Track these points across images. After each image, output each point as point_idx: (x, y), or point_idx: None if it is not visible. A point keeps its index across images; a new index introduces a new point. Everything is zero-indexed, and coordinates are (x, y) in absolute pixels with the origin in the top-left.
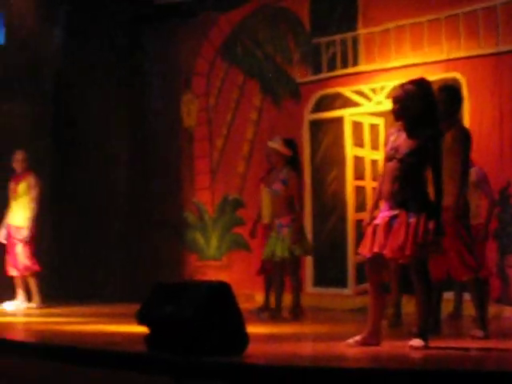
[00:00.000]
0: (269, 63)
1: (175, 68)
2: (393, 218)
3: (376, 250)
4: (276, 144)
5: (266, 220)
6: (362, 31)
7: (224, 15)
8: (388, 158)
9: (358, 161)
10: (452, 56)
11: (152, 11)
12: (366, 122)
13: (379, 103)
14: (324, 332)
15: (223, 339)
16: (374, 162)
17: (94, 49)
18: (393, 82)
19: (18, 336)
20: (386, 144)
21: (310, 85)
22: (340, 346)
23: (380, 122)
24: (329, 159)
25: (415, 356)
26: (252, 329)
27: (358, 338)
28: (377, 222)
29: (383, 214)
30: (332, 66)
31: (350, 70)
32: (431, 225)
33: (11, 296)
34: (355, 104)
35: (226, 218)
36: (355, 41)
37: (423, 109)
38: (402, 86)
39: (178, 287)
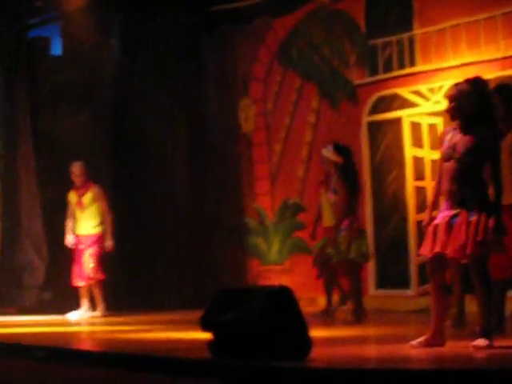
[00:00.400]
0: (325, 66)
1: (232, 74)
2: (453, 217)
3: (437, 249)
4: (328, 152)
5: (326, 223)
6: (418, 31)
7: (279, 19)
8: (445, 158)
9: (418, 161)
10: (509, 54)
11: (208, 18)
12: (425, 122)
13: (437, 103)
14: (387, 334)
15: (286, 343)
16: (433, 162)
17: (150, 57)
18: (450, 81)
19: (84, 345)
20: (441, 143)
21: (367, 86)
22: (404, 347)
23: (438, 121)
24: (388, 160)
25: (479, 356)
26: (315, 332)
27: (421, 339)
28: (437, 221)
29: (443, 214)
30: (389, 67)
31: (407, 70)
32: (491, 223)
33: (75, 306)
34: (413, 104)
35: (286, 222)
36: (411, 41)
37: (478, 107)
38: (457, 85)
39: (241, 293)
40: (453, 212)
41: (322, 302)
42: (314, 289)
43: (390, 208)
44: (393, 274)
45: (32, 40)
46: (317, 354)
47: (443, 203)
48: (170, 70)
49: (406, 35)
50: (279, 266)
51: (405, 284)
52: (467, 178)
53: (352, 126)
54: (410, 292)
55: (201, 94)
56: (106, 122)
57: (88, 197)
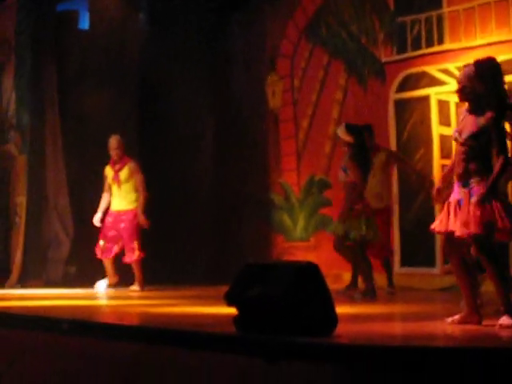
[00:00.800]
0: (353, 43)
1: (260, 50)
2: (460, 200)
3: (449, 228)
4: (340, 132)
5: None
6: (446, 9)
7: None
8: (455, 140)
9: (445, 139)
10: None
11: None
12: (452, 100)
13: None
14: (412, 312)
15: (312, 319)
16: None
17: (178, 33)
18: None
19: (109, 319)
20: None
21: (394, 64)
22: (430, 325)
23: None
24: (415, 138)
25: (505, 334)
26: (340, 309)
27: (456, 317)
28: (450, 199)
29: (454, 195)
30: (417, 45)
31: (435, 48)
32: (496, 205)
33: (98, 280)
34: (441, 83)
35: (312, 198)
36: (440, 19)
37: (485, 89)
38: (466, 66)
39: (267, 268)
40: (459, 196)
41: (347, 278)
42: (339, 266)
43: (417, 186)
44: (418, 252)
45: (60, 13)
46: (342, 330)
47: (455, 184)
48: (198, 44)
49: (434, 13)
50: (304, 243)
51: (430, 262)
52: (473, 161)
53: (379, 104)
54: (435, 270)
55: (228, 69)
56: (133, 97)
57: (124, 172)
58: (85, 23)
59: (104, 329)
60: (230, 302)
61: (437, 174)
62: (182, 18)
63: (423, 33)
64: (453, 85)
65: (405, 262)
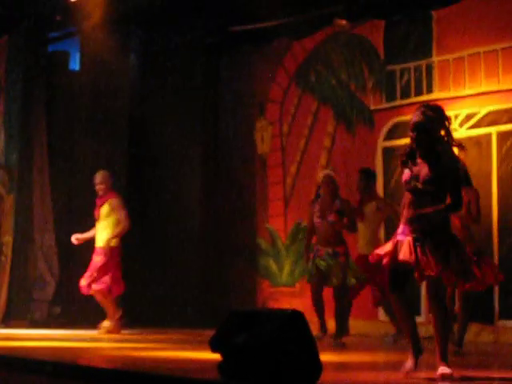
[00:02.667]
0: (343, 90)
1: (249, 94)
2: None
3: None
4: (333, 173)
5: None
6: (436, 58)
7: (298, 42)
8: (406, 187)
9: None
10: None
11: (227, 38)
12: None
13: (453, 131)
14: (397, 360)
15: (297, 367)
16: None
17: (167, 75)
18: (467, 109)
19: (92, 362)
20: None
21: (383, 112)
22: (415, 374)
23: (454, 150)
24: (402, 186)
25: None
26: (324, 357)
27: (410, 363)
28: (399, 238)
29: (402, 236)
30: (406, 94)
31: (424, 97)
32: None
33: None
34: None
35: (298, 244)
36: (429, 68)
37: (439, 134)
38: (423, 111)
39: (252, 315)
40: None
41: (332, 325)
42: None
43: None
44: None
45: (51, 54)
46: (327, 378)
47: (401, 227)
48: (187, 88)
49: (424, 62)
50: (290, 288)
51: (415, 310)
52: (428, 206)
53: (367, 151)
54: (420, 319)
55: (217, 112)
56: (122, 137)
57: (105, 208)
58: (75, 64)
59: (87, 372)
60: (214, 349)
61: None
62: (171, 61)
63: (412, 81)
64: None
65: (390, 310)
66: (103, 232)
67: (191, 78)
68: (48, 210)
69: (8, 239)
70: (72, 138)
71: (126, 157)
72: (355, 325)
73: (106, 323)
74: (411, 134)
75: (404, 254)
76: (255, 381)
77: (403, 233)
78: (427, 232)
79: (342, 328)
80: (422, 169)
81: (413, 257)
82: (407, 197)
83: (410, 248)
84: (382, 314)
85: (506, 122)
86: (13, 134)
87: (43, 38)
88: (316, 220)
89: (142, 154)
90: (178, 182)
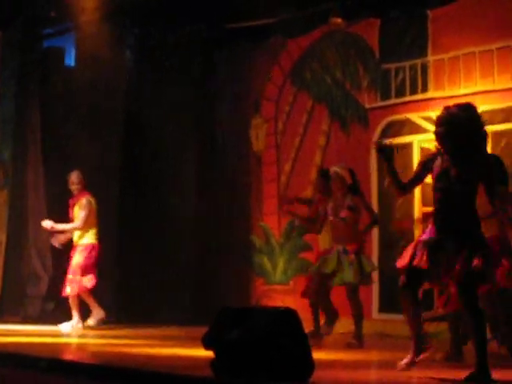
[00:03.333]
0: (338, 88)
1: (245, 92)
2: (438, 241)
3: (415, 263)
4: (342, 170)
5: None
6: (431, 58)
7: (294, 40)
8: (437, 186)
9: (426, 187)
10: None
11: (223, 35)
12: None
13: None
14: (389, 359)
15: (289, 365)
16: None
17: (163, 71)
18: None
19: (85, 358)
20: (423, 168)
21: (378, 110)
22: (406, 373)
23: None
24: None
25: None
26: (317, 355)
27: (407, 360)
28: (421, 239)
29: (429, 235)
30: (401, 92)
31: (419, 96)
32: (477, 255)
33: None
34: (424, 130)
35: (292, 242)
36: (425, 67)
37: (469, 134)
38: (448, 108)
39: (245, 312)
40: (439, 237)
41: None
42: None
43: (397, 233)
44: (396, 299)
45: (47, 50)
46: (319, 376)
47: (431, 226)
48: (183, 85)
49: (419, 61)
50: (284, 286)
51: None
52: (458, 206)
53: (362, 150)
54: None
55: (213, 110)
56: (117, 134)
57: (77, 208)
58: (71, 60)
59: (81, 368)
60: (207, 345)
61: (417, 222)
62: (167, 58)
63: (407, 80)
64: None
65: (383, 309)
66: (83, 230)
67: (187, 74)
68: (42, 205)
69: (1, 235)
70: (67, 134)
71: (122, 153)
72: (348, 323)
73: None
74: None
75: (418, 259)
76: (248, 378)
77: (428, 233)
78: (453, 233)
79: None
80: (451, 168)
81: (425, 263)
82: (435, 195)
83: (423, 253)
84: (375, 312)
85: (500, 122)
86: (7, 130)
87: (38, 34)
88: (330, 218)
89: (137, 150)
90: (172, 179)
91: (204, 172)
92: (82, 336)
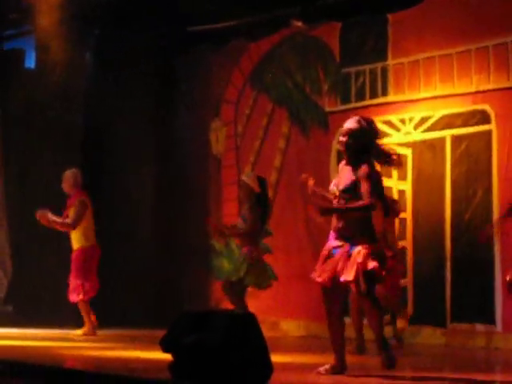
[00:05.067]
0: (297, 92)
1: (204, 95)
2: (336, 248)
3: (326, 276)
4: (248, 179)
5: None
6: (391, 62)
7: (254, 43)
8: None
9: (386, 191)
10: (481, 88)
11: (183, 38)
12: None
13: (408, 134)
14: (348, 362)
15: (247, 368)
16: (401, 193)
17: (123, 74)
18: (422, 112)
19: (43, 360)
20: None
21: (338, 114)
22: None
23: (408, 152)
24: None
25: None
26: (276, 358)
27: (327, 366)
28: (324, 252)
29: (328, 245)
30: (361, 96)
31: (379, 100)
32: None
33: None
34: (384, 134)
35: None
36: (385, 71)
37: (362, 144)
38: (355, 120)
39: (203, 316)
40: (337, 244)
41: (284, 326)
42: (277, 313)
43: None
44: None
45: (6, 52)
46: (278, 379)
47: (331, 235)
48: (143, 87)
49: (379, 65)
50: None
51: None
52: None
53: (322, 153)
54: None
55: (172, 113)
56: (76, 138)
57: (71, 210)
58: (31, 62)
59: (42, 371)
60: (165, 349)
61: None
62: (127, 61)
63: (367, 84)
64: (396, 137)
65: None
66: (73, 234)
67: (147, 77)
68: (1, 208)
69: None
70: (26, 136)
71: (79, 157)
72: (309, 326)
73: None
74: (342, 138)
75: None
76: (206, 381)
77: (330, 240)
78: (347, 237)
79: None
80: (342, 176)
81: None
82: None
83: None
84: None
85: (460, 126)
86: None
87: None
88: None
89: (96, 153)
90: (131, 183)
91: (163, 175)
92: (43, 339)
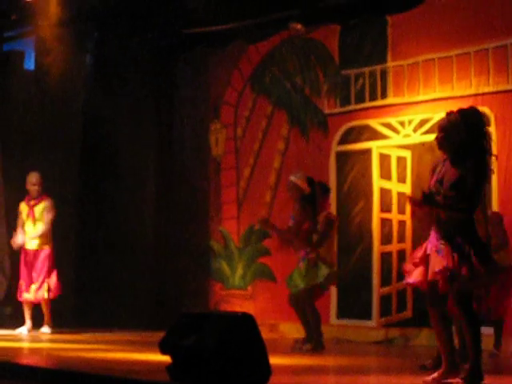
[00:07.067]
0: (297, 94)
1: (204, 97)
2: (439, 249)
3: (430, 277)
4: (297, 179)
5: None
6: (391, 64)
7: (254, 45)
8: (434, 192)
9: (385, 193)
10: (480, 91)
11: (183, 41)
12: (394, 154)
13: (407, 136)
14: (346, 364)
15: (246, 370)
16: (400, 195)
17: (122, 77)
18: (421, 115)
19: (40, 363)
20: (431, 175)
21: (337, 116)
22: (363, 378)
23: (407, 154)
24: (355, 191)
25: None
26: (274, 360)
27: (435, 375)
28: (428, 251)
29: (431, 244)
30: (360, 98)
31: (379, 102)
32: (474, 256)
33: (34, 321)
34: (383, 136)
35: (251, 247)
36: (384, 73)
37: (467, 139)
38: (449, 114)
39: (202, 318)
40: (440, 243)
41: (283, 328)
42: (275, 315)
43: (355, 238)
44: (355, 305)
45: (6, 53)
46: (276, 381)
47: (432, 234)
48: (142, 90)
49: (378, 67)
50: (242, 291)
51: (367, 315)
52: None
53: (321, 155)
54: (371, 323)
55: (172, 115)
56: (76, 139)
57: (39, 208)
58: (30, 64)
59: (37, 373)
60: (163, 351)
61: (375, 228)
62: (127, 63)
63: (367, 86)
64: (395, 139)
65: (342, 314)
66: (46, 234)
67: (146, 79)
68: (0, 211)
69: None
70: (25, 136)
71: (80, 157)
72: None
73: (45, 329)
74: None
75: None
76: (204, 383)
77: (434, 239)
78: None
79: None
80: (446, 173)
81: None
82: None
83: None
84: (333, 317)
85: None
86: None
87: None
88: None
89: (96, 155)
90: (131, 184)
91: (163, 177)
92: (37, 340)
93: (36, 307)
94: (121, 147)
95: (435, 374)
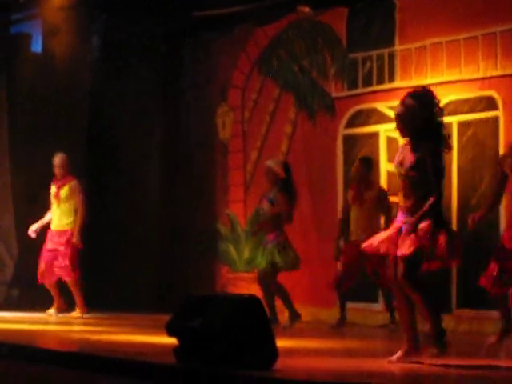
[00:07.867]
0: (305, 77)
1: (211, 80)
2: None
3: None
4: (274, 165)
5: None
6: (398, 47)
7: (261, 28)
8: (397, 175)
9: (392, 176)
10: (488, 74)
11: (190, 24)
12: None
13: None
14: (353, 347)
15: (252, 352)
16: None
17: (129, 59)
18: None
19: (48, 344)
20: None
21: (345, 100)
22: (370, 362)
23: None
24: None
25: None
26: (280, 342)
27: (399, 354)
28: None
29: (396, 224)
30: (368, 82)
31: (386, 85)
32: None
33: (41, 303)
34: (390, 120)
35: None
36: (392, 57)
37: (422, 121)
38: (402, 100)
39: (208, 300)
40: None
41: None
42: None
43: None
44: (361, 288)
45: (13, 36)
46: (282, 364)
47: (398, 214)
48: (149, 73)
49: (386, 50)
50: (249, 274)
51: (373, 298)
52: (415, 193)
53: (328, 139)
54: (377, 306)
55: (179, 98)
56: (82, 121)
57: (65, 190)
58: (38, 46)
59: (44, 354)
60: (170, 333)
61: None
62: (133, 46)
63: (374, 70)
64: None
65: (348, 297)
66: (65, 215)
67: (152, 63)
68: (7, 190)
69: None
70: (32, 119)
71: (87, 141)
72: (314, 311)
73: (76, 313)
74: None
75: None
76: (211, 365)
77: (399, 220)
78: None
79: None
80: (406, 156)
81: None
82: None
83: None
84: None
85: (466, 112)
86: None
87: (5, 19)
88: None
89: (102, 138)
90: (137, 167)
91: (169, 160)
92: (47, 323)
93: (42, 288)
94: (126, 130)
95: (399, 353)
